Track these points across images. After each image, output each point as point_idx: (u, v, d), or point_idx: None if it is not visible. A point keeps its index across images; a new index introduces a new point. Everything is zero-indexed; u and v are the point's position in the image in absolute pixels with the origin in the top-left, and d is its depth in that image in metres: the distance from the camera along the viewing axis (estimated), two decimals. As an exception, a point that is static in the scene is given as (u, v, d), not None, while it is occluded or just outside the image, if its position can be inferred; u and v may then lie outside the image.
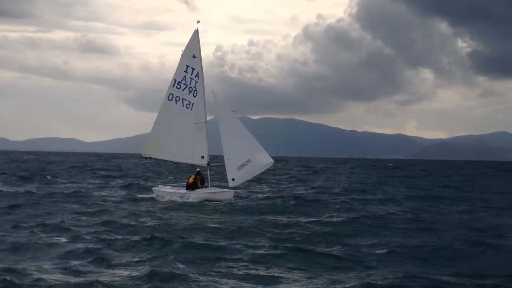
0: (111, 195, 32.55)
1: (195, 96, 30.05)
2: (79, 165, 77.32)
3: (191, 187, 30.07)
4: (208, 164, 30.69)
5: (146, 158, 31.12)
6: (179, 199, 29.51)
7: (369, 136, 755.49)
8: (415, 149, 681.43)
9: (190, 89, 29.98)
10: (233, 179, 29.63)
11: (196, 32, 30.11)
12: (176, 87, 29.94)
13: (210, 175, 31.05)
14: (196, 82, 30.02)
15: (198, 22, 30.34)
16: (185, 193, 29.84)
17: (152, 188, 32.99)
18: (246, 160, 29.54)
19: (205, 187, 30.31)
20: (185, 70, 29.92)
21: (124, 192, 34.41)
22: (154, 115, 30.58)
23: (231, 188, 29.81)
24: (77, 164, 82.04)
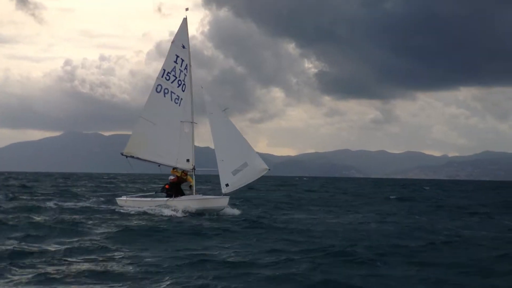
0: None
1: (183, 91, 26.54)
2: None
3: (174, 192, 26.17)
4: (194, 168, 26.99)
5: (127, 157, 26.62)
6: (156, 210, 25.24)
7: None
8: (267, 165, 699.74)
9: (179, 82, 26.49)
10: (227, 185, 25.97)
11: (185, 21, 26.77)
12: (165, 78, 26.23)
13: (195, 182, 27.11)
14: (185, 75, 26.62)
15: (187, 9, 27.27)
16: (167, 200, 25.80)
17: (116, 199, 28.62)
18: (242, 163, 26.18)
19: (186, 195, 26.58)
20: (174, 60, 26.35)
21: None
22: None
23: (224, 194, 26.06)
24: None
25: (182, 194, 26.63)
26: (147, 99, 26.70)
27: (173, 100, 26.47)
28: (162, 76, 26.35)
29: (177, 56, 26.49)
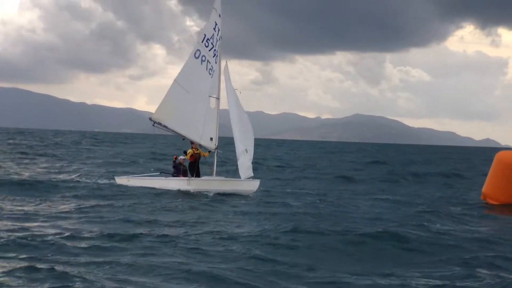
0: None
1: (216, 63, 23.89)
2: None
3: (195, 171, 23.63)
4: (216, 149, 24.44)
5: (154, 123, 23.73)
6: (174, 189, 23.02)
7: (98, 109, 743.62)
8: (144, 123, 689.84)
9: (215, 52, 23.77)
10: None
11: (221, -14, 24.12)
12: (205, 44, 23.48)
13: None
14: (219, 46, 23.94)
15: None
16: (188, 180, 23.33)
17: (116, 179, 25.16)
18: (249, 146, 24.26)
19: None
20: (213, 27, 23.67)
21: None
22: None
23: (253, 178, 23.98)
24: None
25: (199, 173, 24.24)
26: (184, 63, 24.06)
27: (207, 69, 23.89)
28: (202, 41, 23.61)
29: (216, 24, 23.81)
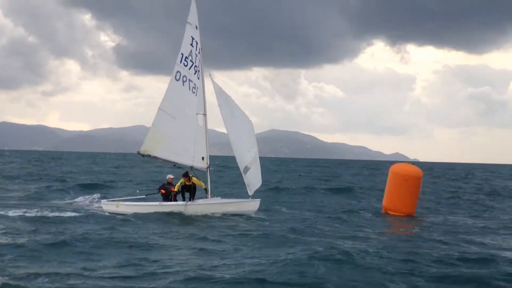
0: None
1: (198, 78, 22.92)
2: None
3: (191, 195, 22.61)
4: (208, 167, 23.44)
5: (143, 156, 22.48)
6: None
7: (8, 127, 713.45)
8: (56, 141, 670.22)
9: (196, 69, 22.71)
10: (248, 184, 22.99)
11: (195, -1, 23.07)
12: (184, 63, 22.44)
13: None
14: (199, 60, 23.02)
15: None
16: (185, 204, 22.09)
17: (102, 204, 23.35)
18: (255, 156, 23.18)
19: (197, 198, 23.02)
20: (190, 43, 22.60)
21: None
22: None
23: (253, 197, 22.94)
24: None
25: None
26: (166, 88, 22.69)
27: (190, 89, 22.82)
28: (180, 62, 22.54)
29: (193, 38, 22.84)
